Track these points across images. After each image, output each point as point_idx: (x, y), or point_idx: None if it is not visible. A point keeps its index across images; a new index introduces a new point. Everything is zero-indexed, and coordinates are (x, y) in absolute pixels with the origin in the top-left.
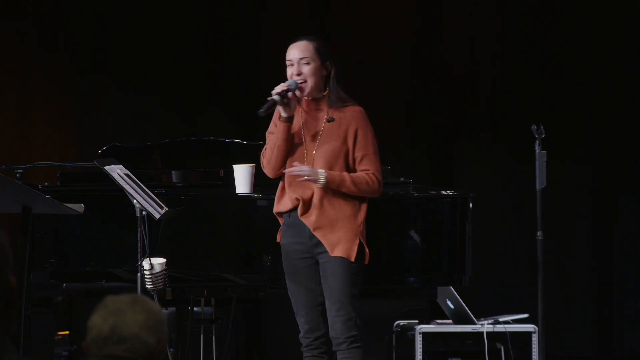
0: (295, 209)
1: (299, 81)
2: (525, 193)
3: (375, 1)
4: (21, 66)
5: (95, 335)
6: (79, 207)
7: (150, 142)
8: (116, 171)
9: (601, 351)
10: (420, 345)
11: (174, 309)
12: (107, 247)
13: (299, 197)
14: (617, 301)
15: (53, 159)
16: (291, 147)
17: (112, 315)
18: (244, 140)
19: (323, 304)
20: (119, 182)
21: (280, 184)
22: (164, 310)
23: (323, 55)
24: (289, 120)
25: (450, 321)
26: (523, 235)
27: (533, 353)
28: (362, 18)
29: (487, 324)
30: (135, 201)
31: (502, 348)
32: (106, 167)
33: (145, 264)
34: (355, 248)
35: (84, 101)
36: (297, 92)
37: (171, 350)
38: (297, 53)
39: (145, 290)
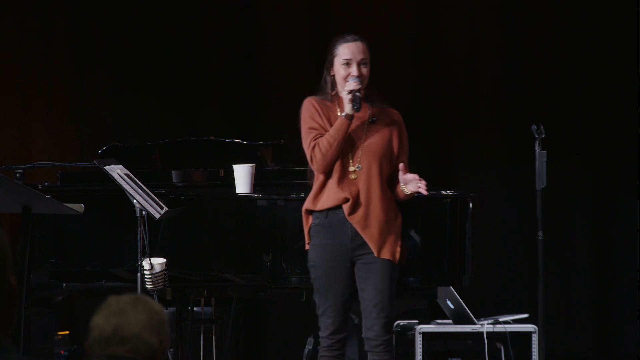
0: (336, 208)
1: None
2: (526, 193)
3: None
4: (21, 66)
5: (98, 336)
6: (79, 207)
7: (150, 142)
8: (116, 171)
9: (601, 351)
10: (420, 345)
11: (173, 309)
12: (107, 247)
13: (348, 196)
14: (617, 301)
15: (53, 159)
16: None
17: (114, 316)
18: (243, 140)
19: (350, 306)
20: (119, 182)
21: (320, 181)
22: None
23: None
24: (352, 117)
25: (450, 321)
26: (523, 235)
27: (533, 353)
28: (362, 16)
29: (487, 324)
30: (135, 201)
31: (502, 348)
32: (106, 167)
33: (145, 264)
34: (399, 250)
35: (83, 101)
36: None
37: (171, 350)
38: (359, 54)
39: (145, 290)
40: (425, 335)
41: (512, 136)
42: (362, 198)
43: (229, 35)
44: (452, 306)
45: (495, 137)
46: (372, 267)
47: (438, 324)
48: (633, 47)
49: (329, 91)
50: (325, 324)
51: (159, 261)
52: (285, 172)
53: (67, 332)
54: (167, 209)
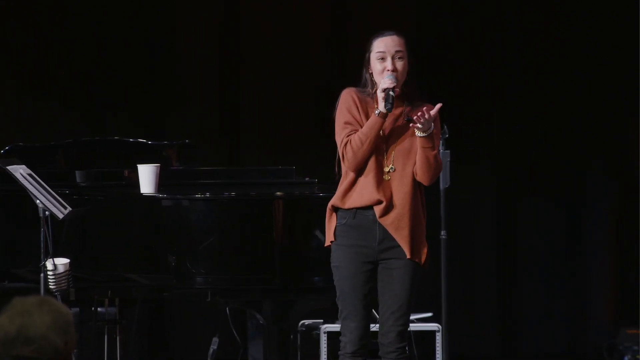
0: (366, 208)
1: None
2: (429, 192)
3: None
4: None
5: (2, 336)
6: None
7: (54, 142)
8: (19, 171)
9: (504, 350)
10: (326, 345)
11: (77, 309)
12: (10, 247)
13: (382, 199)
14: (520, 300)
15: None
16: None
17: (19, 316)
18: (148, 140)
19: (371, 310)
20: (22, 182)
21: (350, 178)
22: None
23: (410, 51)
24: (386, 115)
25: None
26: (427, 234)
27: (437, 352)
28: (272, 13)
29: None
30: (38, 201)
31: (407, 347)
32: (8, 167)
33: (49, 265)
34: (426, 252)
35: None
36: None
37: (74, 351)
38: (394, 46)
39: (48, 291)
40: (330, 334)
41: None
42: (396, 200)
43: (138, 35)
44: None
45: None
46: (395, 273)
47: None
48: (633, 47)
49: (369, 89)
50: (350, 328)
51: (62, 261)
52: (191, 172)
53: None
54: (70, 209)
